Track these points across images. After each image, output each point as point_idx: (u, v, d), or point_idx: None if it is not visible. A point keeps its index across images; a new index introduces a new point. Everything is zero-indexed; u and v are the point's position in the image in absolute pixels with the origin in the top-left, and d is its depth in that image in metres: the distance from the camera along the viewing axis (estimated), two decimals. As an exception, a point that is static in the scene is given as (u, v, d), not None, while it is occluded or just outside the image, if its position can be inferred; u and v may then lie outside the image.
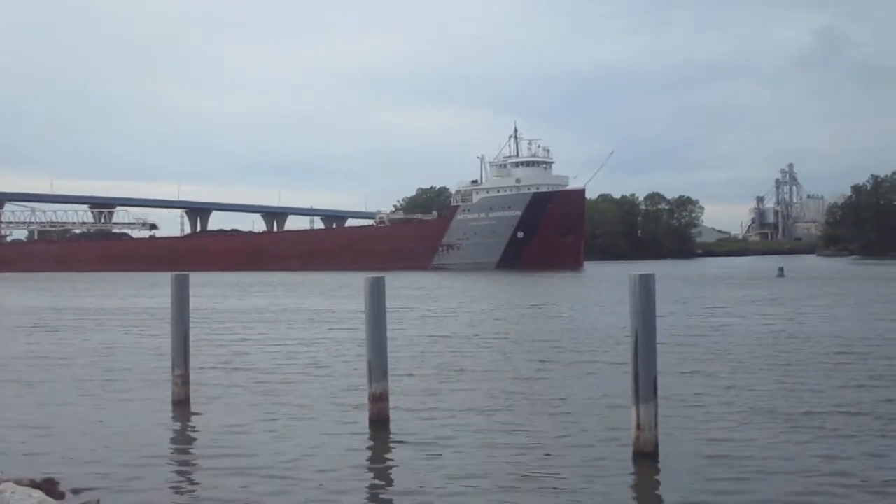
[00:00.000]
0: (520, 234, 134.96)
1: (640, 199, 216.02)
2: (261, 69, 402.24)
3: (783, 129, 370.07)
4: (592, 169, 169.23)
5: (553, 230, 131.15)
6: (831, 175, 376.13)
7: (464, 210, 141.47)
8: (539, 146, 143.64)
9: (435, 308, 47.64)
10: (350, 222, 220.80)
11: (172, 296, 18.73)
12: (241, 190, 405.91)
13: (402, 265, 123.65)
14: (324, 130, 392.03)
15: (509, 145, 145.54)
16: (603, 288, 66.51)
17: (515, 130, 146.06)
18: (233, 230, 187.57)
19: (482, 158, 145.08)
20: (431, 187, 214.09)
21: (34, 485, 11.75)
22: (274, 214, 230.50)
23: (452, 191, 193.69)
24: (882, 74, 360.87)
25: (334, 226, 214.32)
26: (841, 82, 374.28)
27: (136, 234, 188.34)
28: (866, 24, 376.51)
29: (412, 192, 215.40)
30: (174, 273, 19.23)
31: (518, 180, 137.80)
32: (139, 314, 46.65)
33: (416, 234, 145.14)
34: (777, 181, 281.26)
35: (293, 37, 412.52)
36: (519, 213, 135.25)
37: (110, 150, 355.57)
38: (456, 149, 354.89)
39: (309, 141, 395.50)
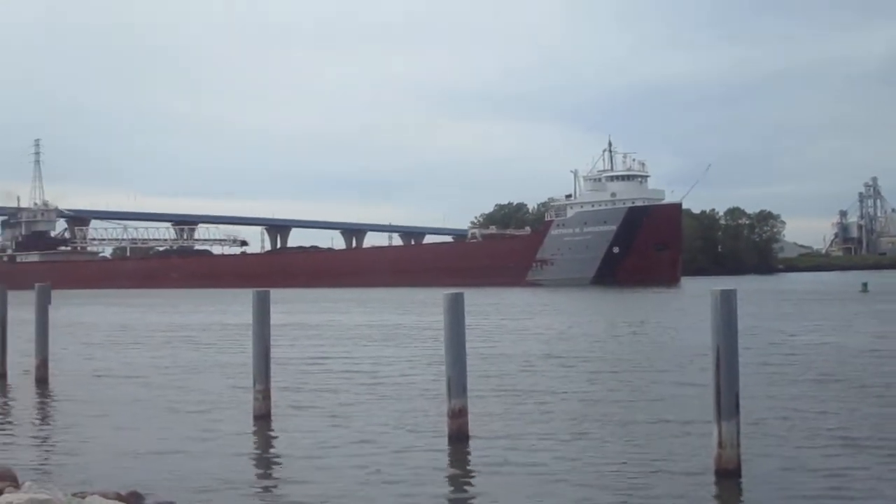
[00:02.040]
0: (615, 250, 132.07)
1: (721, 213, 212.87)
2: (333, 85, 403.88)
3: (867, 142, 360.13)
4: (672, 183, 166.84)
5: (649, 245, 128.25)
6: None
7: (558, 225, 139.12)
8: (634, 159, 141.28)
9: (528, 325, 47.20)
10: (428, 238, 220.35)
11: (253, 312, 19.07)
12: (317, 206, 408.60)
13: (496, 281, 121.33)
14: (395, 146, 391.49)
15: (603, 159, 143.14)
16: (700, 304, 64.09)
17: (610, 144, 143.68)
18: (312, 247, 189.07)
19: (576, 172, 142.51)
20: (509, 203, 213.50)
21: (119, 498, 11.97)
22: (353, 231, 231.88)
23: (530, 206, 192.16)
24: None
25: (412, 242, 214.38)
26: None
27: (225, 250, 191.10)
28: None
29: (489, 208, 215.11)
30: (255, 290, 19.54)
31: (613, 194, 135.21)
32: (227, 330, 47.18)
33: (509, 250, 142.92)
34: (860, 195, 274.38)
35: (365, 52, 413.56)
36: (614, 227, 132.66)
37: (188, 166, 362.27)
38: (526, 163, 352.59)
39: (381, 156, 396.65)
